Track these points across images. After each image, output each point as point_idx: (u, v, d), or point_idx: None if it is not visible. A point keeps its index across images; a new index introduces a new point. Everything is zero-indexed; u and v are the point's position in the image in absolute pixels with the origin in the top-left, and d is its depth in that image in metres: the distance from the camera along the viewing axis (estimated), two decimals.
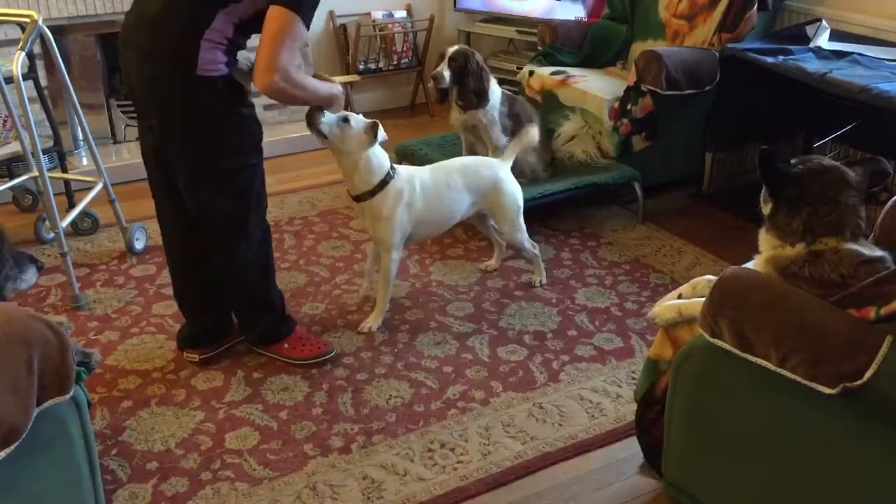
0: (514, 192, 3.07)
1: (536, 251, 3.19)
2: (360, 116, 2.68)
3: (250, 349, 2.79)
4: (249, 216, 2.52)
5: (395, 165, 2.83)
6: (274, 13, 2.21)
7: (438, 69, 3.50)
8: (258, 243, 2.58)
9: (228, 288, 2.66)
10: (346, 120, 2.62)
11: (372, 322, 2.92)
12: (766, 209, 1.93)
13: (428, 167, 3.01)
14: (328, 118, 2.59)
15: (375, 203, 2.76)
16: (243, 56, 2.44)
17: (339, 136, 2.63)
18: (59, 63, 3.22)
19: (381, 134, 2.69)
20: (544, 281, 3.20)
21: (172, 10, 2.25)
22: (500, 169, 3.05)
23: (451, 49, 3.55)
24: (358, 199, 2.78)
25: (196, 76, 2.25)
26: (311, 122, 2.58)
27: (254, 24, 2.28)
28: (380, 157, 2.75)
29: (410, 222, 2.85)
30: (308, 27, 2.26)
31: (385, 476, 2.26)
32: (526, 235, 3.11)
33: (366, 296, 3.11)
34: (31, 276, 2.13)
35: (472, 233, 3.52)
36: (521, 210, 3.09)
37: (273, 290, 2.73)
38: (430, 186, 2.88)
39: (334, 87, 2.53)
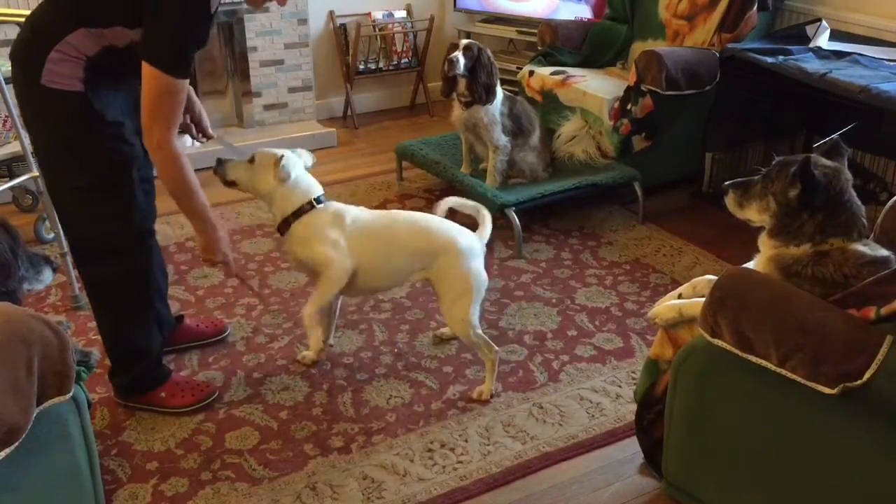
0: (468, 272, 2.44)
1: (494, 354, 2.54)
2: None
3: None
4: (119, 246, 2.29)
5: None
6: (147, 73, 2.05)
7: (454, 54, 3.48)
8: (133, 277, 2.36)
9: (98, 321, 2.46)
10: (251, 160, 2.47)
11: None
12: (767, 214, 1.91)
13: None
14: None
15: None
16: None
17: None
18: None
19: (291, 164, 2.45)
20: (487, 396, 2.54)
21: (35, 14, 2.17)
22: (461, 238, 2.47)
23: (465, 40, 3.57)
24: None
25: (41, 86, 2.11)
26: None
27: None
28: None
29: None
30: (186, 76, 2.09)
31: (385, 476, 2.26)
32: (477, 330, 2.48)
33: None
34: (46, 276, 2.13)
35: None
36: (477, 298, 2.47)
37: (151, 334, 2.45)
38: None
39: (221, 230, 2.31)
